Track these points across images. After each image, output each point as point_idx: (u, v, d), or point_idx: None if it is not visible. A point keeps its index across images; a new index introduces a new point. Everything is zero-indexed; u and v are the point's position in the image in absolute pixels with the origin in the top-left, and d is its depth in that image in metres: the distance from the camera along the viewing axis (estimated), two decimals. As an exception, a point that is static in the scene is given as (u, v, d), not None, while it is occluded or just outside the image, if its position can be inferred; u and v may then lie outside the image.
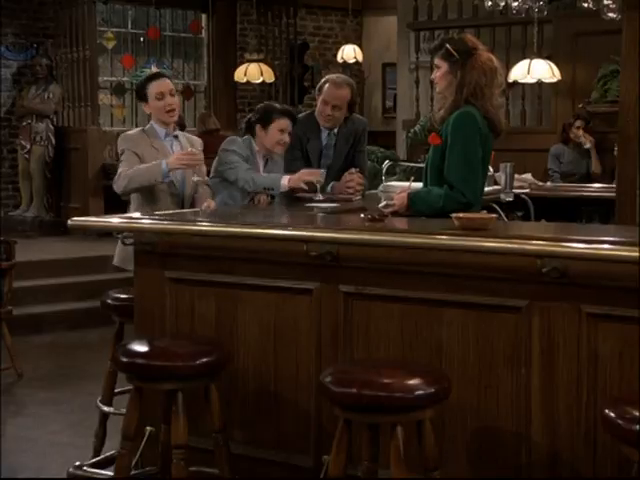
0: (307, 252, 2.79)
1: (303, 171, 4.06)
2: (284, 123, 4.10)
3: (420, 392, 2.40)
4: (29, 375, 5.37)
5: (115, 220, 3.14)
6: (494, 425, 2.68)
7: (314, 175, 4.04)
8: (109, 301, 3.74)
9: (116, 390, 3.76)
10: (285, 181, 3.96)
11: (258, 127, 4.13)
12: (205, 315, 3.09)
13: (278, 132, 4.09)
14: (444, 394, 2.46)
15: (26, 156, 8.86)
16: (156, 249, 3.10)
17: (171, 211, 3.55)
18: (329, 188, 4.31)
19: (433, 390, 2.42)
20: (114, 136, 9.66)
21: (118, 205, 8.58)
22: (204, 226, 3.01)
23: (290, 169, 4.20)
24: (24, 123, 8.87)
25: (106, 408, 3.74)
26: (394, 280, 2.78)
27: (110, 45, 9.85)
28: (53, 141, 8.87)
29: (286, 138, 4.12)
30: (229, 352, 2.89)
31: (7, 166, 9.26)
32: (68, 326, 6.25)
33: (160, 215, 3.24)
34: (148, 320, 3.19)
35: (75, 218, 3.19)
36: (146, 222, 3.11)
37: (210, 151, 8.85)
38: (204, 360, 2.72)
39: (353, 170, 4.32)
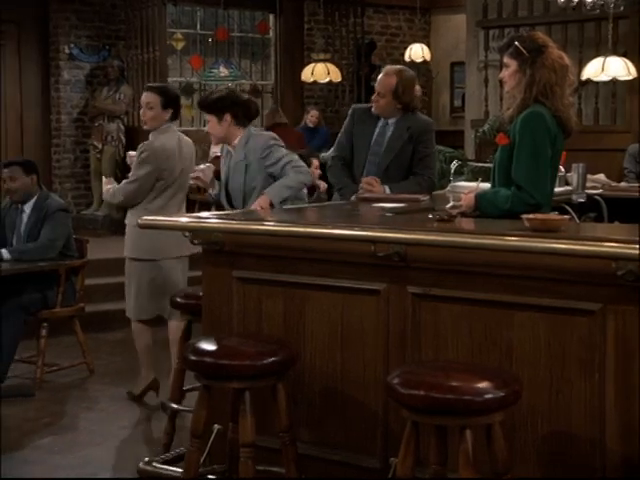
0: (375, 252, 2.78)
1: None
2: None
3: (489, 395, 2.36)
4: (100, 371, 5.49)
5: (183, 219, 3.18)
6: (566, 430, 2.63)
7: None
8: (178, 299, 3.79)
9: (185, 387, 3.82)
10: None
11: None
12: (272, 314, 3.10)
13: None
14: (514, 398, 2.42)
15: (98, 156, 9.05)
16: (224, 248, 3.12)
17: (241, 210, 3.57)
18: (388, 189, 4.26)
19: (503, 394, 2.38)
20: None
21: (189, 204, 8.72)
22: (271, 226, 3.02)
23: (337, 148, 4.46)
24: (96, 124, 9.07)
25: (175, 405, 3.80)
26: (463, 282, 2.75)
27: (179, 46, 9.98)
28: (124, 141, 9.04)
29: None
30: (296, 351, 2.89)
31: (79, 166, 9.47)
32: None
33: (228, 214, 3.27)
34: (216, 319, 3.21)
35: (145, 217, 3.24)
36: (214, 221, 3.13)
37: (281, 142, 8.90)
38: (271, 359, 2.73)
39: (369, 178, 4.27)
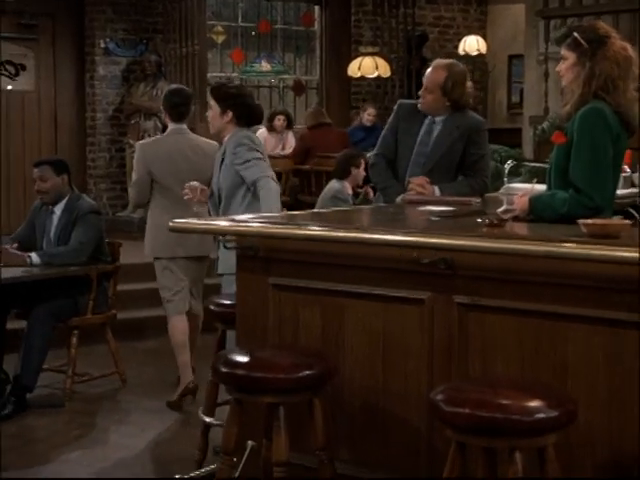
0: (418, 259, 2.75)
1: None
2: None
3: (541, 415, 2.32)
4: (133, 381, 5.53)
5: (217, 222, 3.18)
6: (627, 454, 2.56)
7: None
8: (212, 307, 3.80)
9: (219, 401, 3.82)
10: None
11: None
12: (310, 324, 3.10)
13: None
14: (569, 418, 2.37)
15: (134, 155, 9.13)
16: (259, 254, 3.12)
17: (277, 213, 3.57)
18: (438, 191, 4.22)
19: (556, 413, 2.34)
20: (222, 135, 9.89)
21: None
22: (308, 230, 3.01)
23: (380, 145, 4.45)
24: (132, 121, 9.17)
25: (208, 419, 3.80)
26: (513, 291, 2.70)
27: (220, 40, 10.05)
28: (161, 140, 9.11)
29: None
30: (334, 364, 2.87)
31: (115, 165, 9.59)
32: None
33: (264, 217, 3.26)
34: (250, 328, 3.21)
35: (176, 220, 3.25)
36: (248, 225, 3.13)
37: (321, 145, 8.90)
38: (307, 372, 2.72)
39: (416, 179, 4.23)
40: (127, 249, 5.78)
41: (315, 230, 3.01)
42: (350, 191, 6.56)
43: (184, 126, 5.17)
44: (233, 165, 4.24)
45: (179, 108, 5.11)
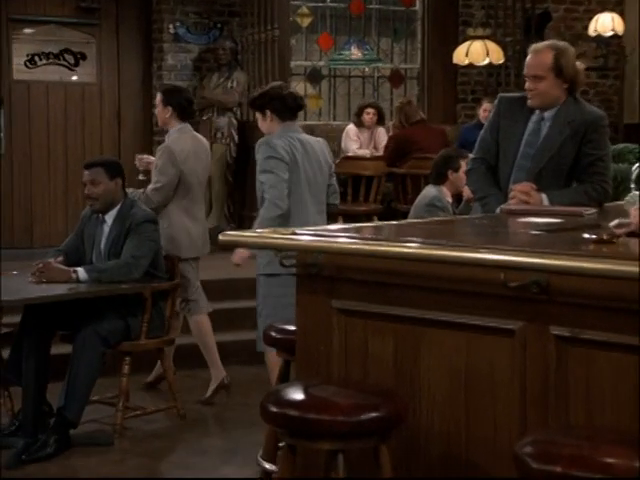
0: (505, 282, 2.66)
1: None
2: None
3: (652, 477, 2.19)
4: (193, 416, 5.57)
5: (273, 235, 3.14)
6: None
7: None
8: (273, 333, 3.78)
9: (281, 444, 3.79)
10: None
11: None
12: (380, 356, 3.04)
13: None
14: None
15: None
16: (322, 272, 3.09)
17: (344, 225, 3.53)
18: (546, 199, 4.09)
19: (672, 475, 2.20)
20: (307, 131, 9.88)
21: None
22: (378, 245, 2.94)
23: (478, 147, 4.48)
24: (204, 117, 9.26)
25: (268, 465, 3.78)
26: (624, 323, 2.58)
27: (305, 23, 10.09)
28: (236, 138, 9.21)
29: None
30: (406, 405, 2.82)
31: (184, 168, 9.69)
32: (243, 359, 6.39)
33: (328, 230, 3.21)
34: (311, 360, 3.17)
35: (228, 232, 3.23)
36: (309, 238, 3.09)
37: (419, 145, 8.82)
38: (372, 415, 2.66)
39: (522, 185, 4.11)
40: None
41: (385, 245, 2.94)
42: (449, 198, 6.45)
43: (189, 125, 6.05)
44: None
45: (190, 106, 6.07)
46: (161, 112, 5.96)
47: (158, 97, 6.01)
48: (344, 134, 9.38)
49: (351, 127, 9.39)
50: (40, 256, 5.53)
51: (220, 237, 3.20)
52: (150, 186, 5.78)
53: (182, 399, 5.54)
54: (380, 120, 9.37)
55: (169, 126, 5.96)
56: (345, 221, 8.21)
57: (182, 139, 5.90)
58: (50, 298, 4.96)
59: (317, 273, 3.09)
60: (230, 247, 4.53)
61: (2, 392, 5.33)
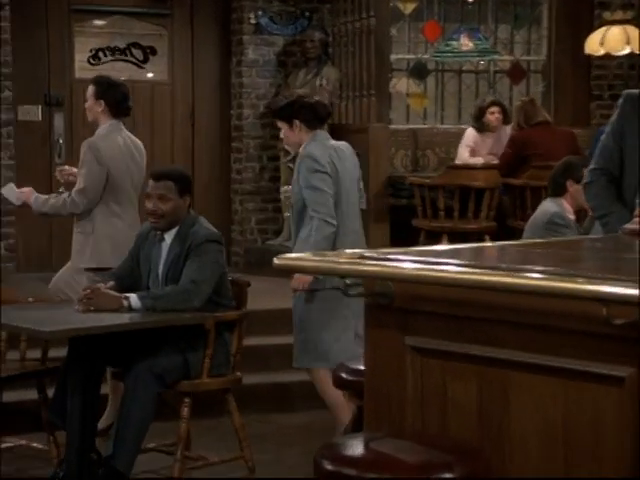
0: (608, 318, 2.57)
1: None
2: None
3: None
4: (264, 469, 5.54)
5: (338, 260, 3.11)
6: None
7: None
8: (343, 374, 3.75)
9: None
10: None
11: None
12: (462, 403, 3.02)
13: None
14: None
15: (290, 165, 9.28)
16: (394, 303, 3.07)
17: (412, 248, 3.48)
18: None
19: None
20: (409, 136, 9.90)
21: (408, 233, 8.70)
22: (460, 273, 2.88)
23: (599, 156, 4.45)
24: (290, 121, 9.31)
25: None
26: None
27: (408, 9, 10.10)
28: (327, 144, 9.21)
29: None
30: (490, 463, 2.80)
31: (267, 178, 9.80)
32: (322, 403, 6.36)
33: (403, 252, 3.17)
34: (382, 406, 3.17)
35: (284, 255, 3.21)
36: (379, 264, 3.04)
37: (540, 151, 8.69)
38: (443, 475, 2.63)
39: None
40: (262, 290, 5.83)
41: (468, 274, 2.87)
42: (572, 215, 6.33)
43: (122, 123, 6.25)
44: (298, 182, 5.40)
45: (125, 102, 6.20)
46: (92, 106, 6.15)
47: (90, 89, 6.18)
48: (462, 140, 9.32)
49: (470, 131, 9.28)
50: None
51: (275, 261, 3.17)
52: (74, 188, 6.03)
53: (251, 449, 5.53)
54: (505, 120, 9.25)
55: (100, 122, 6.14)
56: (451, 241, 8.15)
57: (111, 137, 6.11)
58: (97, 329, 5.00)
59: (388, 304, 3.09)
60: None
61: (47, 437, 5.42)
